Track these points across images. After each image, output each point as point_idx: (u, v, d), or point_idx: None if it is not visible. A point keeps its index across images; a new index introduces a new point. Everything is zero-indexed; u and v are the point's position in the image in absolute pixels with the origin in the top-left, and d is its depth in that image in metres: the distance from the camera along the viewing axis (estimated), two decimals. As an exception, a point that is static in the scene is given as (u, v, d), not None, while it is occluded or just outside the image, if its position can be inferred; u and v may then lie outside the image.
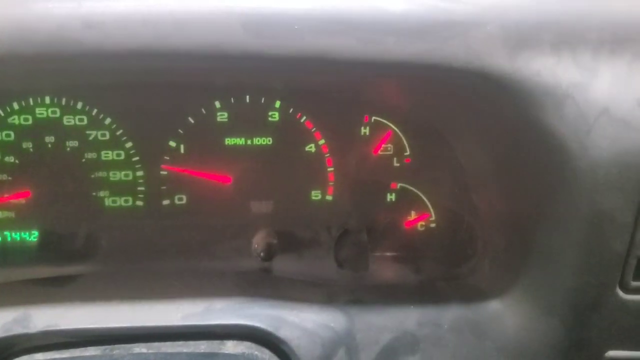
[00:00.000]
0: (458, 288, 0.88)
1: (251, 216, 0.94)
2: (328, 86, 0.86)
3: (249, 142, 0.90)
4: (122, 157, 0.90)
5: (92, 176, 0.90)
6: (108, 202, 0.92)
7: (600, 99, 0.66)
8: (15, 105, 0.86)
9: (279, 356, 0.75)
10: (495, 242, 0.86)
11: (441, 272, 0.94)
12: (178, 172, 0.91)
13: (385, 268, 0.95)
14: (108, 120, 0.88)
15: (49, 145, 0.88)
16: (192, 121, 0.89)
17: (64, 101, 0.86)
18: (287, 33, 0.65)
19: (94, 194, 0.91)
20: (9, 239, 0.92)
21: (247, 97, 0.88)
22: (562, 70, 0.66)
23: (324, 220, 0.95)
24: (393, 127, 0.92)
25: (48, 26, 0.62)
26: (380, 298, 0.85)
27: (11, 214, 0.92)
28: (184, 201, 0.93)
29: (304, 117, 0.90)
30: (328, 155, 0.92)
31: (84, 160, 0.89)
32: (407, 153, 0.93)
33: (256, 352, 0.73)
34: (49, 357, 0.71)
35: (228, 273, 0.87)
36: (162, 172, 0.91)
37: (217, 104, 0.88)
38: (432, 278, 0.93)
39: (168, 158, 0.90)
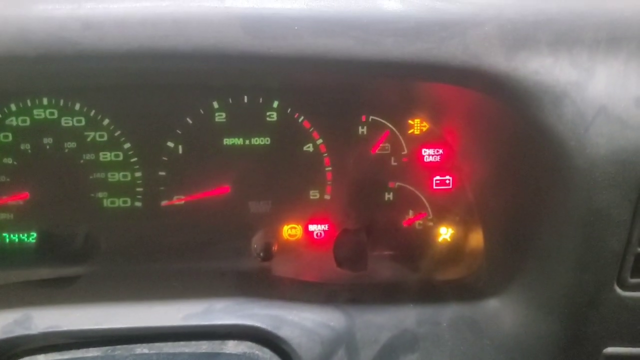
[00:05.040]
0: (456, 286, 0.89)
1: (250, 216, 0.94)
2: (326, 86, 0.86)
3: (247, 142, 0.91)
4: (121, 158, 0.90)
5: (91, 177, 0.90)
6: (107, 203, 0.92)
7: (597, 97, 0.66)
8: (13, 107, 0.86)
9: (279, 355, 0.75)
10: (492, 240, 0.87)
11: (439, 270, 0.94)
12: (177, 203, 0.92)
13: (384, 267, 0.95)
14: (106, 121, 0.88)
15: (47, 147, 0.88)
16: (190, 122, 0.89)
17: (62, 102, 0.86)
18: (286, 34, 0.65)
19: (92, 195, 0.91)
20: (7, 240, 0.92)
21: (245, 97, 0.88)
22: (559, 69, 0.67)
23: (322, 219, 0.96)
24: (390, 126, 0.92)
25: (48, 27, 0.62)
26: (379, 297, 0.85)
27: (10, 216, 0.91)
28: (183, 202, 0.93)
29: (302, 117, 0.90)
30: (326, 154, 0.93)
31: (82, 161, 0.89)
32: (405, 152, 0.93)
33: (257, 352, 0.73)
34: (50, 359, 0.71)
35: (228, 273, 0.87)
36: (160, 173, 0.91)
37: (215, 104, 0.88)
38: (431, 277, 0.93)
39: (166, 159, 0.90)
